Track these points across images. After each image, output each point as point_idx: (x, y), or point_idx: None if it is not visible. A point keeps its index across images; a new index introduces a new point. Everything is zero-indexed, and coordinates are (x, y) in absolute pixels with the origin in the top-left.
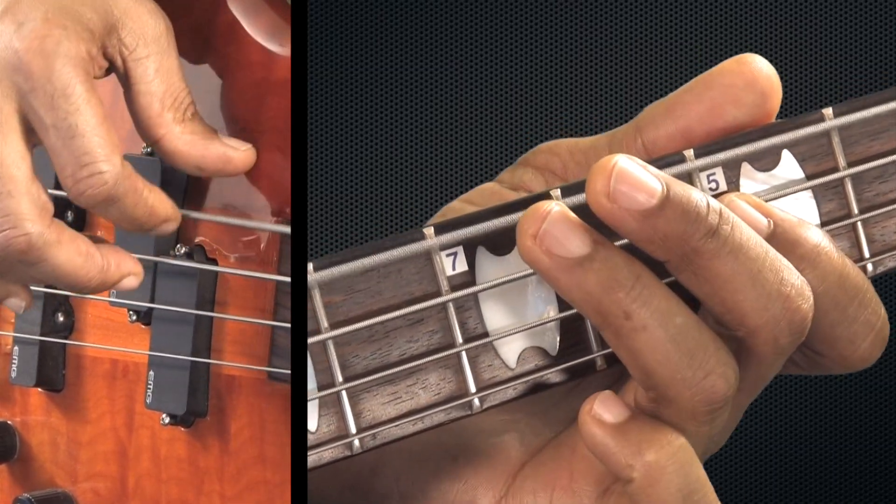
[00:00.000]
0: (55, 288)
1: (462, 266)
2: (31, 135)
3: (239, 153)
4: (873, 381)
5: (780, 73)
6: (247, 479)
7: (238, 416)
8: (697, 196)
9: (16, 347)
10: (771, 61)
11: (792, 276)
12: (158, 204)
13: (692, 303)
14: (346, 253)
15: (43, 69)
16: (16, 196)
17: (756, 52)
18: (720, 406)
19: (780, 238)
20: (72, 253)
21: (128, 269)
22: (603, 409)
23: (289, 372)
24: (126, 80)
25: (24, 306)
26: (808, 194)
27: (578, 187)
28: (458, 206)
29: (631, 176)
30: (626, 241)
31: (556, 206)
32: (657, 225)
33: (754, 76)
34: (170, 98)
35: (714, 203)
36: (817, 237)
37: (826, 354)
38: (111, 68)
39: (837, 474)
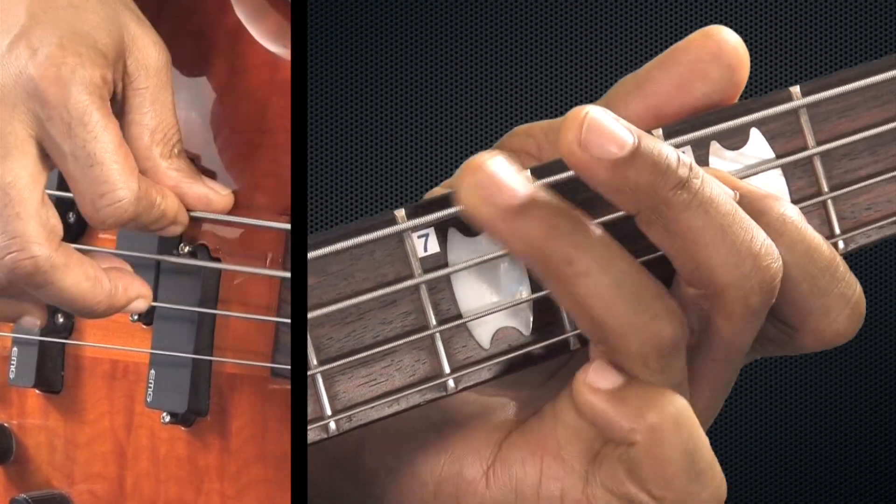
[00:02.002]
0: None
1: (434, 247)
2: (46, 159)
3: (220, 197)
4: (873, 381)
5: (749, 49)
6: (247, 478)
7: (239, 414)
8: (668, 150)
9: (14, 348)
10: (740, 36)
11: (760, 235)
12: (170, 208)
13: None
14: (319, 236)
15: (59, 97)
16: (24, 218)
17: (726, 26)
18: (670, 351)
19: (746, 208)
20: (79, 277)
21: (136, 292)
22: (598, 377)
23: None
24: (121, 108)
25: (38, 324)
26: (778, 172)
27: (550, 168)
28: (440, 192)
29: (602, 126)
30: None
31: (491, 158)
32: (628, 175)
33: (720, 49)
34: (160, 133)
35: (685, 157)
36: (783, 208)
37: (800, 329)
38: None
39: (837, 474)
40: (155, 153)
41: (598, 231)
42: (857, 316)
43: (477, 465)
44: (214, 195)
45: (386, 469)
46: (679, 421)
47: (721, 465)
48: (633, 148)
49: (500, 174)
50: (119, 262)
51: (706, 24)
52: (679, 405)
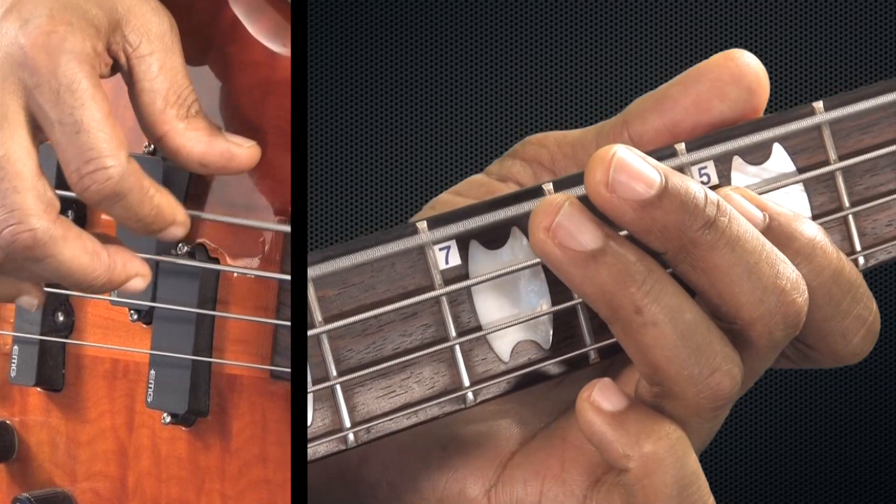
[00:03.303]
0: (59, 287)
1: (455, 260)
2: (38, 131)
3: (243, 150)
4: (873, 381)
5: (771, 65)
6: (248, 479)
7: (240, 415)
8: (695, 187)
9: (15, 347)
10: (762, 53)
11: (787, 270)
12: (165, 205)
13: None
14: (340, 247)
15: (48, 65)
16: (21, 191)
17: (747, 46)
18: (725, 403)
19: (775, 232)
20: (77, 250)
21: (135, 270)
22: (602, 397)
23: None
24: (130, 78)
25: (36, 304)
26: (800, 187)
27: (571, 181)
28: (447, 199)
29: (630, 166)
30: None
31: (569, 200)
32: (655, 215)
33: (741, 71)
34: (173, 95)
35: (712, 195)
36: (813, 231)
37: (818, 348)
38: (115, 66)
39: (837, 474)
40: (171, 115)
41: (669, 281)
42: (872, 335)
43: (479, 484)
44: (238, 149)
45: (388, 483)
46: (673, 452)
47: (721, 468)
48: (662, 188)
49: (575, 220)
50: (118, 241)
51: (726, 36)
52: (675, 437)
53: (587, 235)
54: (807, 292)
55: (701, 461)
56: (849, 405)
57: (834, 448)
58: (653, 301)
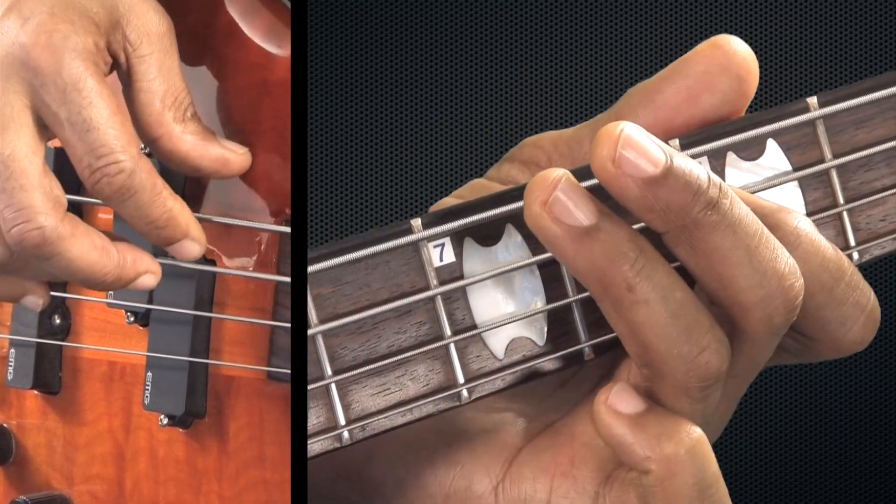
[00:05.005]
0: (56, 290)
1: (450, 257)
2: (44, 130)
3: (236, 156)
4: (873, 380)
5: (766, 60)
6: (245, 480)
7: (237, 416)
8: (699, 169)
9: (12, 350)
10: (756, 48)
11: (784, 255)
12: (179, 213)
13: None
14: (334, 245)
15: (52, 64)
16: (28, 190)
17: (741, 37)
18: (713, 383)
19: None
20: (86, 247)
21: (145, 266)
22: (619, 401)
23: (288, 371)
24: (128, 78)
25: (41, 304)
26: (794, 183)
27: (575, 175)
28: (450, 202)
29: (637, 143)
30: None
31: (566, 175)
32: (659, 193)
33: (729, 60)
34: (170, 97)
35: (715, 177)
36: (796, 221)
37: (817, 338)
38: (114, 65)
39: (837, 473)
40: (168, 118)
41: (661, 259)
42: (873, 323)
43: (486, 480)
44: (232, 154)
45: (394, 480)
46: (694, 453)
47: (722, 467)
48: (667, 166)
49: (571, 195)
50: (126, 239)
51: (719, 33)
52: (695, 437)
53: (583, 211)
54: (802, 279)
55: None
56: (849, 404)
57: (834, 447)
58: (645, 279)
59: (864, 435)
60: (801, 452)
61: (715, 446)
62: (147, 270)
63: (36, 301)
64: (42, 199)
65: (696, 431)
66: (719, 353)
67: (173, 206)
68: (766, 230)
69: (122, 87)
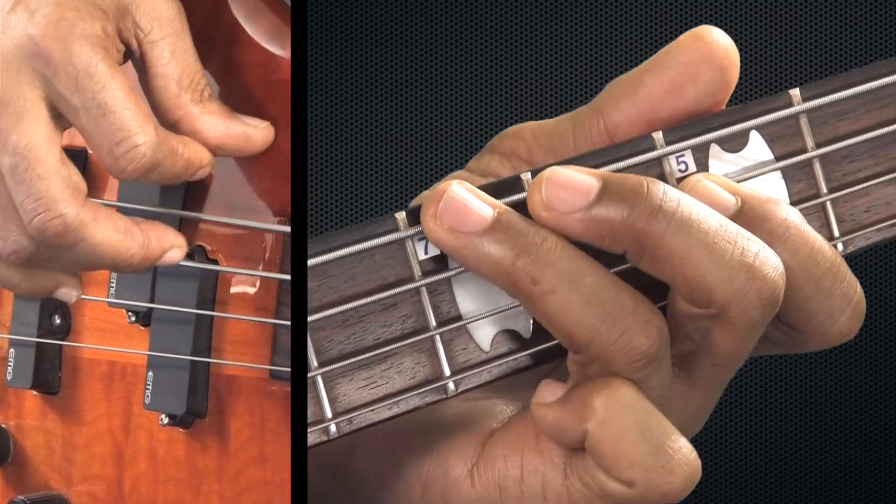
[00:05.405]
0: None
1: (434, 250)
2: (59, 119)
3: (258, 131)
4: (873, 379)
5: (749, 52)
6: (246, 480)
7: (238, 416)
8: (633, 179)
9: (12, 350)
10: (739, 40)
11: (753, 246)
12: (194, 155)
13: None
14: (319, 239)
15: (62, 52)
16: (46, 179)
17: (720, 27)
18: (648, 363)
19: (748, 215)
20: (109, 231)
21: (170, 242)
22: (545, 393)
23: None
24: (142, 64)
25: (75, 295)
26: (778, 175)
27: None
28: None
29: (562, 179)
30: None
31: (454, 184)
32: (600, 219)
33: (711, 50)
34: (186, 79)
35: (655, 183)
36: (785, 212)
37: (804, 330)
38: (127, 53)
39: (837, 474)
40: (185, 100)
41: (564, 247)
42: (859, 315)
43: (461, 464)
44: (254, 130)
45: (376, 472)
46: (622, 399)
47: (720, 465)
48: (600, 190)
49: (461, 201)
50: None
51: (700, 24)
52: (620, 386)
53: (473, 216)
54: (781, 268)
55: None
56: (848, 404)
57: (833, 447)
58: (548, 269)
59: (863, 434)
60: (800, 452)
61: (715, 446)
62: (172, 245)
63: (69, 293)
64: (61, 188)
65: (620, 381)
66: (645, 332)
67: (190, 156)
68: (727, 224)
69: (137, 75)
